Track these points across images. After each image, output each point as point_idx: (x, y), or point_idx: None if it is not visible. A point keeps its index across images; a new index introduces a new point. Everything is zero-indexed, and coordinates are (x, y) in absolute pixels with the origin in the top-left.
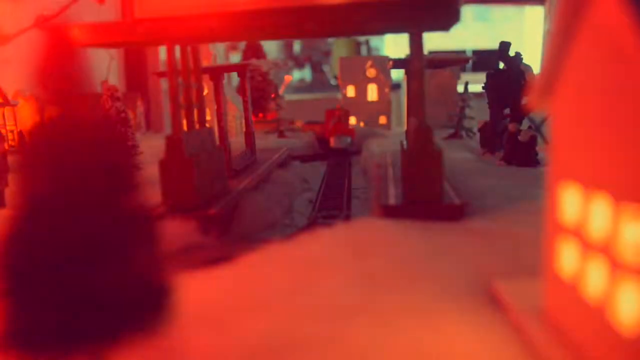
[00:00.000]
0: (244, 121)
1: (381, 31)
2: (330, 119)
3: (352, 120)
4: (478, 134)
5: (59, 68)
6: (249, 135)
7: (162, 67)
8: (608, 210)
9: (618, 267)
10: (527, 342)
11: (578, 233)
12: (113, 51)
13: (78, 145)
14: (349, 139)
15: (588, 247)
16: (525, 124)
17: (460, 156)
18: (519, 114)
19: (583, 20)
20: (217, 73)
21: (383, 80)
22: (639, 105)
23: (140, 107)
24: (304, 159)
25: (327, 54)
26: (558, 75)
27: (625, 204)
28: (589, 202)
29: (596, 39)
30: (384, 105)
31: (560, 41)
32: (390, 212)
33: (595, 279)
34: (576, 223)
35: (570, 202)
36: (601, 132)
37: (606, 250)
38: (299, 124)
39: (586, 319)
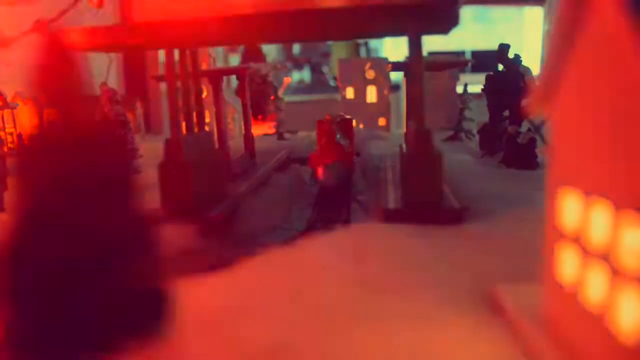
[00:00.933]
0: (243, 123)
1: (380, 35)
2: (321, 136)
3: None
4: (477, 136)
5: (58, 71)
6: (248, 138)
7: (161, 70)
8: (608, 217)
9: (618, 274)
10: (526, 348)
11: (578, 240)
12: (112, 54)
13: (77, 148)
14: (341, 170)
15: (588, 253)
16: (524, 126)
17: (459, 158)
18: (519, 116)
19: (583, 25)
20: (216, 76)
21: (382, 81)
22: (639, 112)
23: (139, 110)
24: (303, 161)
25: (327, 55)
26: (558, 81)
27: (625, 211)
28: (589, 209)
29: (596, 45)
30: (383, 107)
31: (560, 46)
32: (389, 216)
33: (595, 285)
34: (576, 230)
35: (571, 208)
36: (601, 139)
37: (606, 257)
38: None
39: (586, 325)
